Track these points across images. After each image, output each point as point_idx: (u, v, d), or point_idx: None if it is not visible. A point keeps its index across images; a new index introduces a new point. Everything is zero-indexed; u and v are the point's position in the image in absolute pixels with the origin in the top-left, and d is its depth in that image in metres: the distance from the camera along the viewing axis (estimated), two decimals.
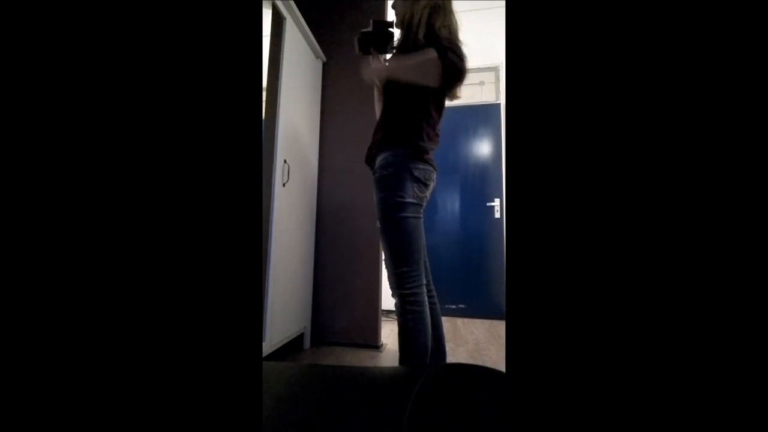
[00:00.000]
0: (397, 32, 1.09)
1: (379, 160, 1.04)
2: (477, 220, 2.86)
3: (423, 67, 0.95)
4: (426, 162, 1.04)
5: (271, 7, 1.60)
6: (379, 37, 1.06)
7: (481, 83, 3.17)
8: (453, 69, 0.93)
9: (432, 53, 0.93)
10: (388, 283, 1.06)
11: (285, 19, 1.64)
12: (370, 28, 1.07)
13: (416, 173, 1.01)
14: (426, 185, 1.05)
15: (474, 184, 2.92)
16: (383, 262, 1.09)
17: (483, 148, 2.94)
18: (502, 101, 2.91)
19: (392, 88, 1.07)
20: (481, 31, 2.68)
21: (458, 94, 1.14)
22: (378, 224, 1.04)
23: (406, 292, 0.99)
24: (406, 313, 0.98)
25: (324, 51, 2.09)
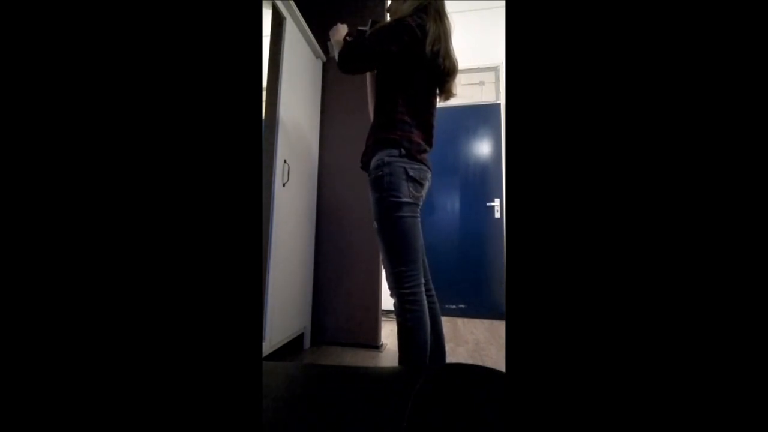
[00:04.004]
0: None
1: (374, 161, 1.05)
2: (477, 220, 2.86)
3: (340, 46, 1.08)
4: (420, 162, 1.05)
5: (271, 7, 1.60)
6: None
7: (481, 83, 3.16)
8: (343, 54, 1.02)
9: (343, 43, 1.06)
10: (386, 283, 1.06)
11: (285, 19, 1.64)
12: (367, 27, 1.08)
13: (411, 173, 1.02)
14: (421, 185, 1.06)
15: (474, 184, 2.91)
16: (381, 262, 1.09)
17: (483, 148, 2.94)
18: (502, 101, 2.91)
19: (382, 90, 1.08)
20: (481, 31, 2.68)
21: (453, 93, 1.16)
22: (375, 225, 1.04)
23: (404, 291, 0.99)
24: (405, 313, 0.99)
25: (324, 51, 2.09)
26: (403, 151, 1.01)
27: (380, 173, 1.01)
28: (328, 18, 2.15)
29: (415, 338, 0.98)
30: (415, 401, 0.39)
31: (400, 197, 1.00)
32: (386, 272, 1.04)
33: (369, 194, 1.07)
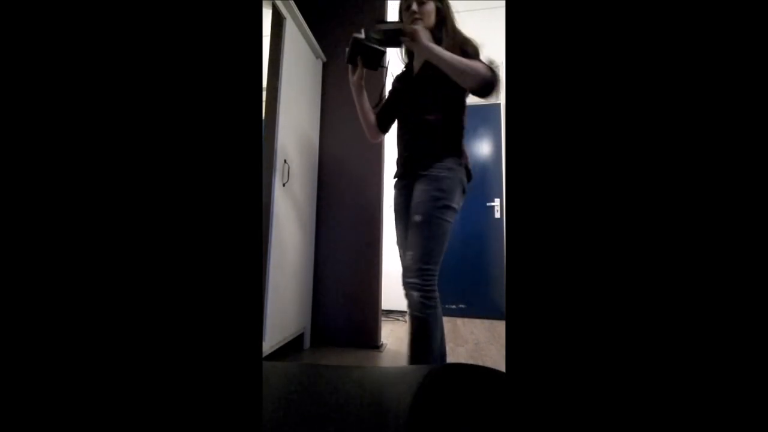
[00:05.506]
0: (390, 50, 1.15)
1: (445, 162, 1.11)
2: (477, 220, 2.86)
3: (470, 69, 1.00)
4: (468, 175, 1.18)
5: (271, 7, 1.60)
6: (372, 54, 1.11)
7: None
8: (492, 84, 1.03)
9: (481, 65, 1.04)
10: (402, 277, 1.08)
11: (285, 19, 1.64)
12: (362, 35, 1.07)
13: (464, 185, 1.15)
14: (464, 196, 1.18)
15: (474, 184, 2.91)
16: (404, 256, 1.10)
17: (483, 148, 2.94)
18: (502, 101, 2.91)
19: (456, 100, 1.16)
20: (481, 31, 2.68)
21: None
22: (418, 218, 1.08)
23: (427, 288, 1.04)
24: (424, 308, 1.02)
25: (324, 51, 2.09)
26: (463, 162, 1.14)
27: (444, 174, 1.09)
28: (328, 18, 2.16)
29: (431, 334, 1.03)
30: (415, 401, 0.39)
31: (451, 203, 1.09)
32: (412, 267, 1.06)
33: (422, 189, 1.10)
